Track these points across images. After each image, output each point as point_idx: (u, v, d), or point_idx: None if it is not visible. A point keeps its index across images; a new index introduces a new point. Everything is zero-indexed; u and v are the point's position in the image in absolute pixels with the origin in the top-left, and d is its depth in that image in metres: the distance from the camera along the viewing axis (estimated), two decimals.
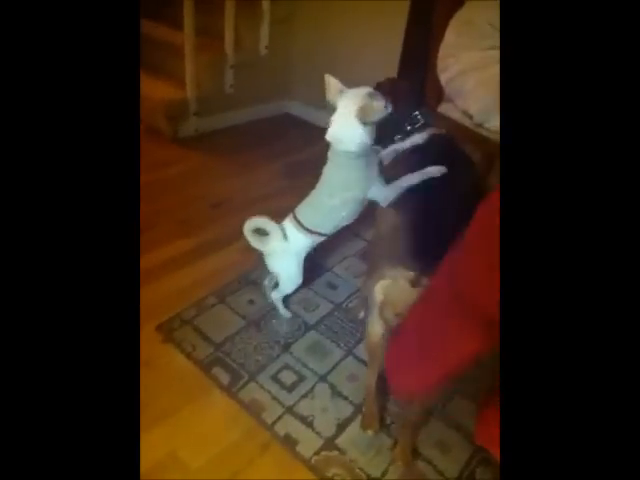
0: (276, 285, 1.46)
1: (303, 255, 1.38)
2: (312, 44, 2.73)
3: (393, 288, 0.97)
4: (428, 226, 1.04)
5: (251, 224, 1.32)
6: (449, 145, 1.30)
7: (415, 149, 1.29)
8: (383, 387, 1.18)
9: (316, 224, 1.32)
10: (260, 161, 2.41)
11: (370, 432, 1.19)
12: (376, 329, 1.06)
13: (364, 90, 1.16)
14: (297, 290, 1.54)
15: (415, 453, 1.17)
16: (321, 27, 2.66)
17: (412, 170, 1.20)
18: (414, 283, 0.94)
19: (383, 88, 1.27)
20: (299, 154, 2.45)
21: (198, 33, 2.28)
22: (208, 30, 2.42)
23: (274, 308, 1.51)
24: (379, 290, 1.00)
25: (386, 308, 1.00)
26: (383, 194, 1.22)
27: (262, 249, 1.37)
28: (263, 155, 2.47)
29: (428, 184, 1.17)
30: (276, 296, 1.47)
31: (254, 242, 1.35)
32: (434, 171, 1.18)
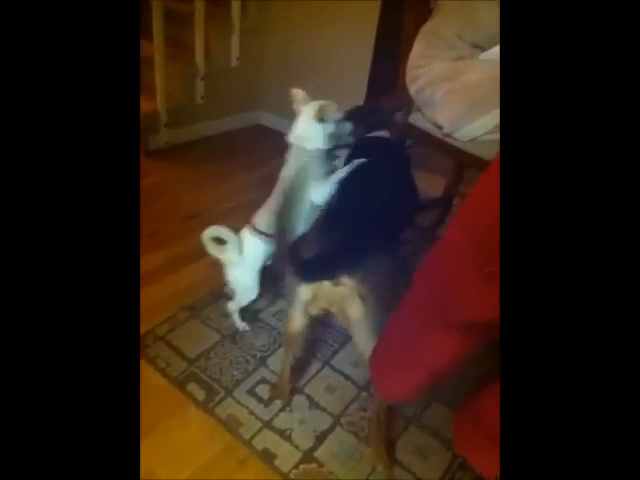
0: (233, 296, 1.45)
1: (259, 265, 1.37)
2: (283, 55, 2.74)
3: (319, 288, 1.04)
4: (348, 225, 1.09)
5: (210, 232, 1.32)
6: (380, 144, 1.41)
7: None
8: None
9: (271, 225, 1.31)
10: (232, 172, 2.39)
11: (279, 401, 1.28)
12: (297, 322, 1.15)
13: (322, 101, 1.33)
14: (272, 302, 1.53)
15: (394, 460, 1.17)
16: (292, 38, 2.67)
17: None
18: (335, 283, 1.01)
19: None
20: (271, 165, 2.44)
21: (168, 44, 2.26)
22: (178, 41, 2.41)
23: (250, 321, 1.49)
24: (306, 290, 1.06)
25: (312, 305, 1.08)
26: (319, 193, 1.30)
27: (219, 257, 1.35)
28: (235, 166, 2.46)
29: (355, 183, 1.25)
30: (232, 308, 1.45)
31: (212, 249, 1.33)
32: (357, 163, 1.28)
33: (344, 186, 1.26)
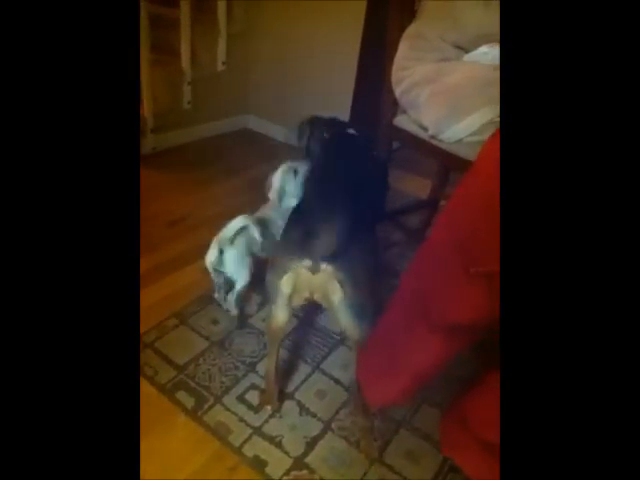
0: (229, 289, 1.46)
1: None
2: (270, 58, 2.74)
3: (298, 278, 1.06)
4: (317, 215, 1.10)
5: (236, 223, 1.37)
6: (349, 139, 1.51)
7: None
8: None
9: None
10: (219, 177, 2.38)
11: (269, 407, 1.27)
12: (280, 317, 1.16)
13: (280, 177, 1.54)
14: (261, 307, 1.52)
15: (385, 465, 1.17)
16: (279, 41, 2.67)
17: None
18: (313, 270, 1.03)
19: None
20: (258, 169, 2.44)
21: (154, 49, 2.25)
22: (164, 46, 2.40)
23: (239, 327, 1.48)
24: (286, 282, 1.08)
25: (295, 296, 1.11)
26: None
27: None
28: (222, 171, 2.44)
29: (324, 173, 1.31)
30: (233, 297, 1.45)
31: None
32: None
33: (312, 179, 1.33)
